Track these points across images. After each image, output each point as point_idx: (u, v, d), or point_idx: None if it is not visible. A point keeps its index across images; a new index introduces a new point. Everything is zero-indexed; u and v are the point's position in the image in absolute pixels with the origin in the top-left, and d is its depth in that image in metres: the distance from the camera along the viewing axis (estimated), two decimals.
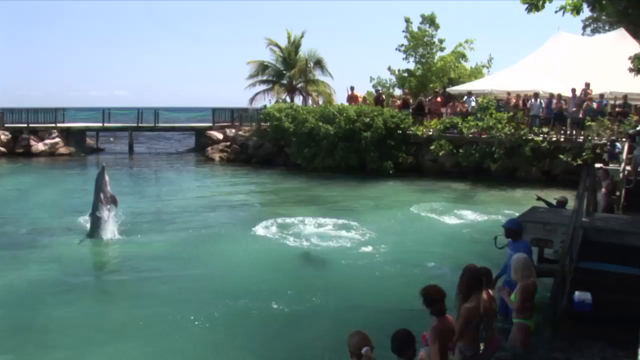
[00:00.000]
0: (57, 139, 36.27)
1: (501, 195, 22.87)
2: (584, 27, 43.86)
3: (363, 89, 38.02)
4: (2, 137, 35.22)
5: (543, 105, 26.32)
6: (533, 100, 26.54)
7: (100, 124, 39.72)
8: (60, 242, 15.10)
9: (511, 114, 26.23)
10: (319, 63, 41.44)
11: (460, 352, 5.90)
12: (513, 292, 6.87)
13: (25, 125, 36.46)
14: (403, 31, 38.06)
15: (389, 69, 39.84)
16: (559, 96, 25.84)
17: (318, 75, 41.92)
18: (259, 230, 16.29)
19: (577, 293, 7.73)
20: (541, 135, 25.46)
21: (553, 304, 8.27)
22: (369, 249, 14.50)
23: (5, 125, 35.96)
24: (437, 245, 15.01)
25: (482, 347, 6.15)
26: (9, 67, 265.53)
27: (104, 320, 10.09)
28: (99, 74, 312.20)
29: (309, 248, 14.58)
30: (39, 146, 35.55)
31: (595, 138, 23.85)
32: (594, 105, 25.37)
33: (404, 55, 38.73)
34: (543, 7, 8.78)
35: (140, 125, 39.77)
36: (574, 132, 25.44)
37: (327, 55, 40.01)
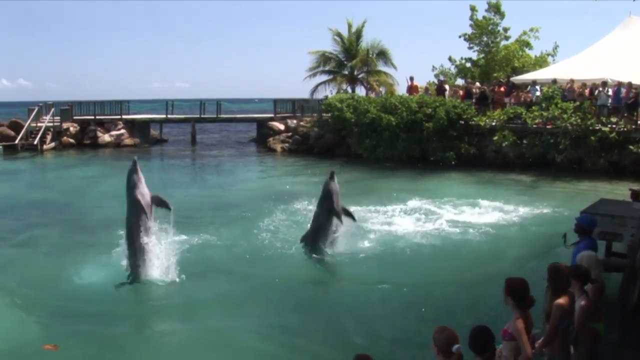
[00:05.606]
0: (123, 130, 37.46)
1: (566, 188, 22.28)
2: None
3: (423, 79, 37.75)
4: (72, 129, 36.61)
5: (611, 93, 25.53)
6: (601, 89, 25.73)
7: (164, 116, 40.60)
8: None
9: (577, 103, 25.53)
10: (383, 54, 41.24)
11: (550, 359, 5.45)
12: None
13: (93, 117, 37.87)
14: (469, 20, 37.50)
15: (450, 58, 39.41)
16: (629, 84, 25.00)
17: (381, 66, 41.77)
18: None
19: None
20: (609, 126, 24.69)
21: (622, 301, 8.08)
22: (433, 242, 14.49)
23: (74, 117, 37.38)
24: (500, 240, 14.80)
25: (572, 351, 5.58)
26: (77, 61, 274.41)
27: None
28: (162, 67, 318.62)
29: (374, 241, 14.52)
30: (105, 137, 36.82)
31: None
32: None
33: (469, 45, 38.16)
34: None
35: (202, 116, 40.50)
36: None
37: (388, 46, 39.62)
